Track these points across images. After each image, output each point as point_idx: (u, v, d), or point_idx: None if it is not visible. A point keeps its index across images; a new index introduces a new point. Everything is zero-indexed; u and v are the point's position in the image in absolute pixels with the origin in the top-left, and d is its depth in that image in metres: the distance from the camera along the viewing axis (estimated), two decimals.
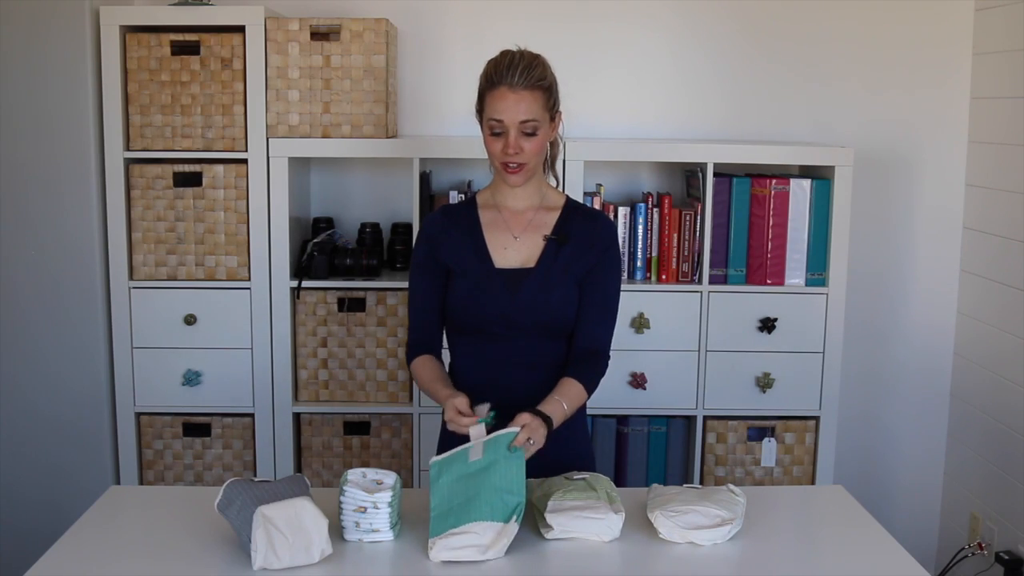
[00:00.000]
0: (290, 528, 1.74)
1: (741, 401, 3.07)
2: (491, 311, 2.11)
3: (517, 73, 2.01)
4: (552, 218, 2.17)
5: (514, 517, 1.83)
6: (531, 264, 2.13)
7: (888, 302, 3.45)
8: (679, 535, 1.87)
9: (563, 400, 2.05)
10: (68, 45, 2.87)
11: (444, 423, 2.23)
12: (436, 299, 2.17)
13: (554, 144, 2.21)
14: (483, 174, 3.24)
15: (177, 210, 2.97)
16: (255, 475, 3.07)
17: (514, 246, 2.15)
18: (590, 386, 2.13)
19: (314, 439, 3.09)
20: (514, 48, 2.08)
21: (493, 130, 2.05)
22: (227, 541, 1.86)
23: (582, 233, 2.15)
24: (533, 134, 2.04)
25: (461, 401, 1.97)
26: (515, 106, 2.02)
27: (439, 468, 1.92)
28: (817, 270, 3.03)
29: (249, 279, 2.99)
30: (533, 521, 1.92)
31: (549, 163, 2.23)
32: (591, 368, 2.14)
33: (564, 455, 2.14)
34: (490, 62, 2.08)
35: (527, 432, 1.90)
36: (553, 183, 2.26)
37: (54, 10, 2.86)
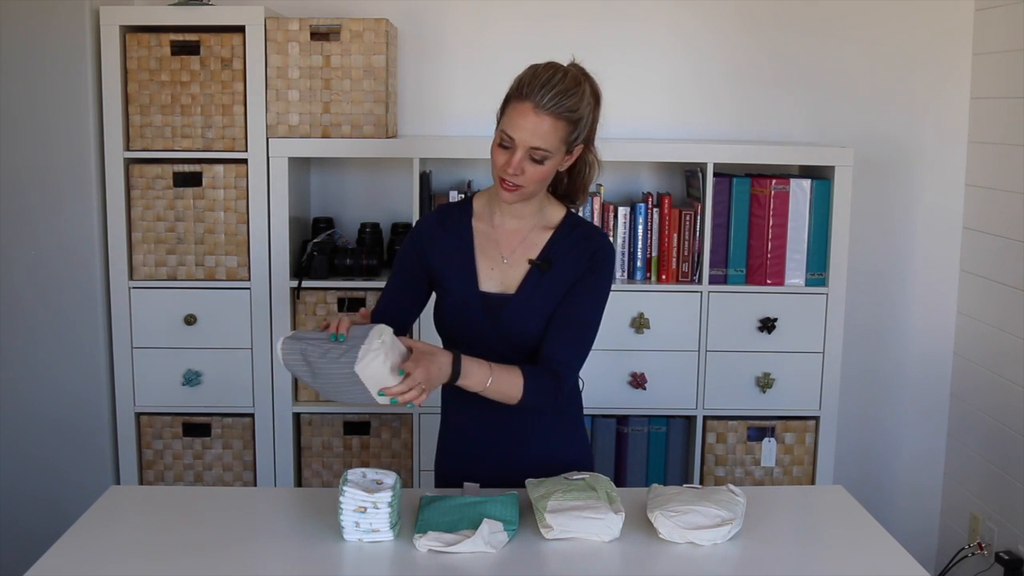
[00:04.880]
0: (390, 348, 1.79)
1: (741, 401, 3.07)
2: (471, 334, 2.04)
3: (549, 96, 1.88)
4: (544, 239, 2.06)
5: (507, 532, 1.85)
6: (512, 290, 2.04)
7: (888, 302, 3.46)
8: (679, 535, 1.86)
9: (493, 375, 1.92)
10: (68, 45, 2.87)
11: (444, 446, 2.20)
12: (406, 299, 2.09)
13: (591, 167, 2.08)
14: (483, 174, 3.24)
15: (177, 210, 2.97)
16: (255, 476, 3.07)
17: (501, 267, 2.06)
18: (530, 391, 1.96)
19: (314, 439, 3.09)
20: (567, 63, 1.96)
21: (502, 142, 1.94)
22: (227, 541, 1.86)
23: (570, 257, 2.04)
24: (540, 162, 1.92)
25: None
26: (533, 128, 1.89)
27: (429, 500, 1.96)
28: (817, 270, 3.03)
29: (249, 279, 2.99)
30: (533, 521, 1.92)
31: (582, 187, 2.10)
32: (545, 377, 1.98)
33: (563, 455, 2.13)
34: (529, 69, 1.94)
35: (417, 364, 1.81)
36: (577, 207, 2.13)
37: (54, 10, 2.86)
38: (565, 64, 1.96)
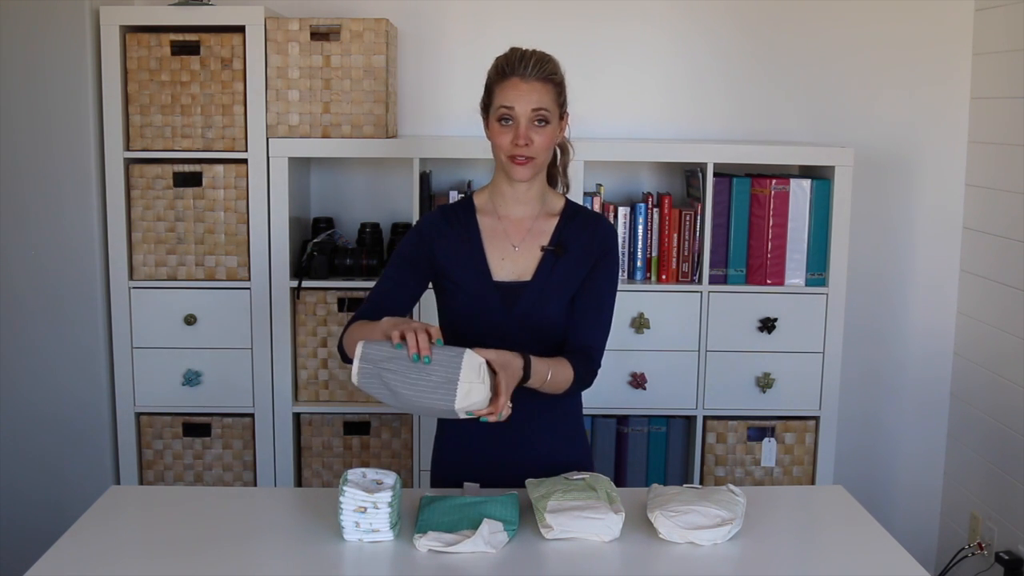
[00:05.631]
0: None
1: (741, 401, 3.07)
2: (487, 325, 2.06)
3: (530, 65, 1.99)
4: (551, 225, 2.12)
5: (507, 532, 1.85)
6: (527, 277, 2.09)
7: (888, 302, 3.45)
8: (679, 535, 1.86)
9: (551, 368, 1.97)
10: (68, 45, 2.87)
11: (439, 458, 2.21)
12: (404, 294, 2.11)
13: (564, 150, 2.16)
14: (483, 174, 3.24)
15: (177, 210, 2.97)
16: (255, 476, 3.07)
17: (512, 256, 2.10)
18: (578, 377, 2.04)
19: (314, 439, 3.09)
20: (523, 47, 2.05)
21: (502, 117, 2.00)
22: (227, 541, 1.86)
23: (581, 240, 2.10)
24: (544, 123, 2.00)
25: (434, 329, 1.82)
26: (527, 95, 1.99)
27: (429, 500, 1.96)
28: (817, 270, 3.03)
29: (249, 279, 2.99)
30: (533, 521, 1.92)
31: (560, 170, 2.18)
32: (586, 366, 2.07)
33: (563, 455, 2.14)
34: (500, 56, 2.04)
35: (495, 356, 1.85)
36: (562, 190, 2.19)
37: (54, 10, 2.86)
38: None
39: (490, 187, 2.15)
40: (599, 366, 2.12)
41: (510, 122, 2.00)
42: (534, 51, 2.03)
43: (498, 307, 2.07)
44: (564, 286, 2.09)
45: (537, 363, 1.95)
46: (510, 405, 1.85)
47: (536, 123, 2.00)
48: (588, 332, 2.10)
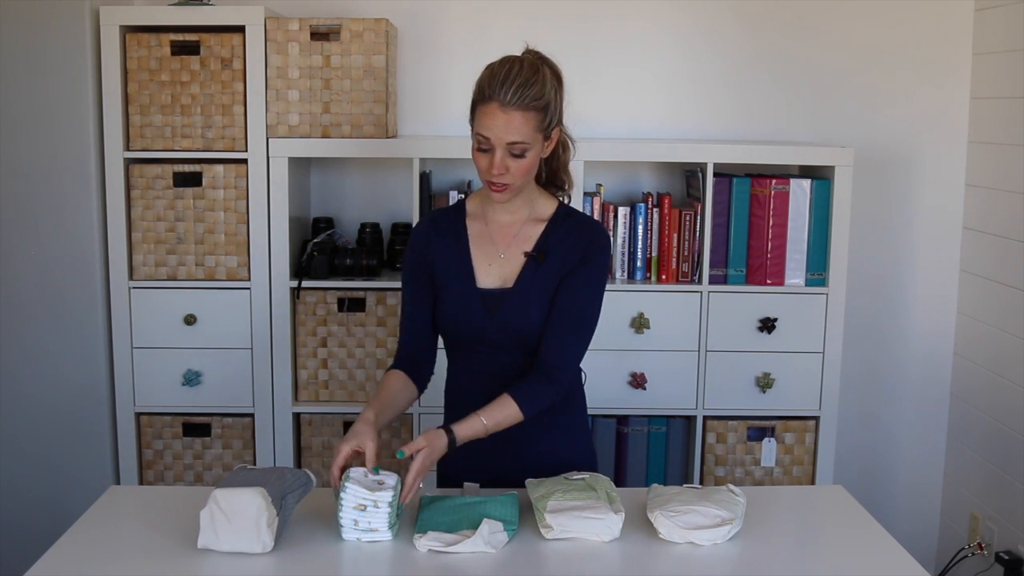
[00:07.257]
0: (234, 514, 1.77)
1: (741, 401, 3.07)
2: (470, 331, 2.06)
3: (511, 92, 1.89)
4: (538, 231, 2.07)
5: (506, 532, 1.85)
6: (510, 284, 2.06)
7: (888, 302, 3.45)
8: (679, 535, 1.87)
9: (483, 417, 1.96)
10: (68, 45, 2.87)
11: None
12: (426, 308, 2.11)
13: (566, 147, 2.11)
14: None
15: (177, 210, 2.97)
16: None
17: (498, 263, 2.08)
18: (529, 407, 2.00)
19: (314, 439, 3.09)
20: (519, 52, 1.99)
21: (480, 145, 1.96)
22: None
23: (564, 245, 2.05)
24: (521, 156, 1.94)
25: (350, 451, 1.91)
26: (504, 126, 1.91)
27: (429, 500, 1.97)
28: (817, 270, 3.03)
29: (249, 279, 2.99)
30: (533, 521, 1.92)
31: (562, 167, 2.13)
32: (540, 386, 2.02)
33: (565, 454, 2.14)
34: (486, 71, 1.96)
35: (422, 444, 1.91)
36: (564, 187, 2.15)
37: (54, 10, 2.86)
38: (519, 54, 1.99)
39: (482, 192, 2.12)
40: (563, 383, 2.05)
41: (487, 150, 1.95)
42: (520, 69, 1.92)
43: (481, 314, 2.05)
44: (546, 293, 2.04)
45: (464, 428, 1.95)
46: (420, 485, 1.89)
47: (513, 154, 1.94)
48: (556, 349, 2.03)
